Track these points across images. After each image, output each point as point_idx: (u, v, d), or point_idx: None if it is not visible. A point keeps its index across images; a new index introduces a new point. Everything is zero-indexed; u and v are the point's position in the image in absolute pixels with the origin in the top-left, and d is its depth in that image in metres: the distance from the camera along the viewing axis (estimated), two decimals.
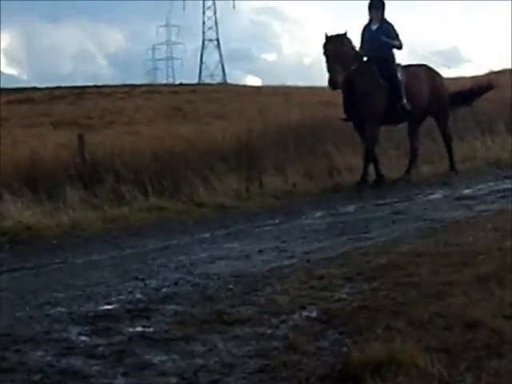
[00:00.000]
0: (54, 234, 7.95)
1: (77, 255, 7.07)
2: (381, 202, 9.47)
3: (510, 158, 12.44)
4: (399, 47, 10.70)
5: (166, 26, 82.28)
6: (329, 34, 10.15)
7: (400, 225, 7.83)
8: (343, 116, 10.64)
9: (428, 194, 9.98)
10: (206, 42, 76.99)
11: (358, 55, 10.45)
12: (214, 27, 76.52)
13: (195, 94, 32.60)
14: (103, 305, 5.24)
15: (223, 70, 75.45)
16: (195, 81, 58.33)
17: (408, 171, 11.11)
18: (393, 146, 12.35)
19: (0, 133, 14.42)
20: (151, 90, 44.42)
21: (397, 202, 9.44)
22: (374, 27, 10.61)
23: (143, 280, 5.91)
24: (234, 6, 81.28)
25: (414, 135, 11.32)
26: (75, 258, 6.95)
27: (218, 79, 69.98)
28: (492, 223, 7.30)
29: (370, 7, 10.65)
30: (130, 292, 5.57)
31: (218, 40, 76.74)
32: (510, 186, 9.96)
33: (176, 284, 5.76)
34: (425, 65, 11.59)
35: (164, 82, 61.83)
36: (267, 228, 8.15)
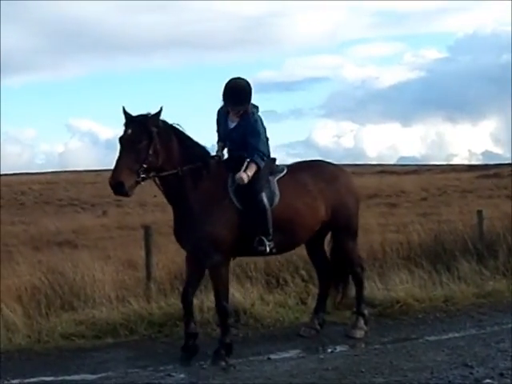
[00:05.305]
0: (423, 308, 8.32)
1: (432, 332, 7.39)
2: None
3: None
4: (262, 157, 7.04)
5: None
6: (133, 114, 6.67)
7: None
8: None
9: None
10: None
11: (196, 152, 6.96)
12: None
13: None
14: None
15: None
16: None
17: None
18: None
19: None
20: None
21: None
22: (232, 124, 7.21)
23: (471, 368, 5.93)
24: None
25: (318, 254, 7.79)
26: (430, 335, 7.29)
27: None
28: None
29: (225, 99, 7.10)
30: (449, 382, 5.65)
31: None
32: None
33: (501, 375, 5.67)
34: (318, 161, 7.76)
35: None
36: None
